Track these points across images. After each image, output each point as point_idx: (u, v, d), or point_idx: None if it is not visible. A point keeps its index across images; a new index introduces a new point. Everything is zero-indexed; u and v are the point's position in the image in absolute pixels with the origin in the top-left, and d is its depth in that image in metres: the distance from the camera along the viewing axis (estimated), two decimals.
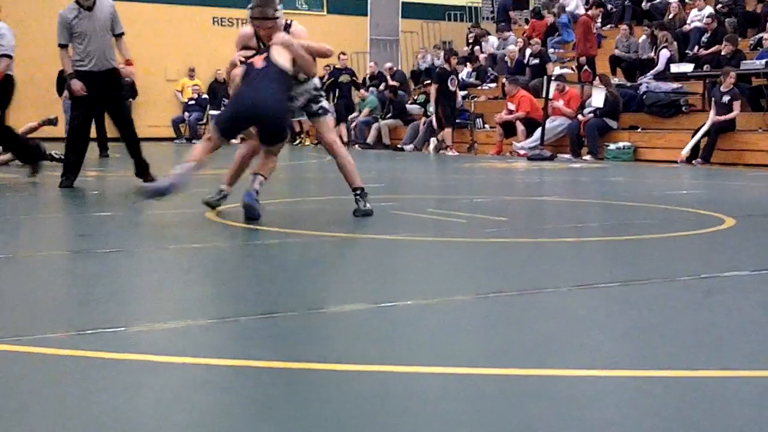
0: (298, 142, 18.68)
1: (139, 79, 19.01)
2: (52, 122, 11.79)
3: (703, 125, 12.83)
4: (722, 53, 14.27)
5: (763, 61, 13.26)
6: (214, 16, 20.58)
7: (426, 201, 7.52)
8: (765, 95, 13.34)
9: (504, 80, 16.73)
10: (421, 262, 4.47)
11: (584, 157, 13.98)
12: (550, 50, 18.35)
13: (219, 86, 19.74)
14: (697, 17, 16.16)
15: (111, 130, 9.37)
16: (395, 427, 2.02)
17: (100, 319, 2.99)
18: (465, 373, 2.40)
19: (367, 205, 5.88)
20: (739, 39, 14.93)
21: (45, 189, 8.25)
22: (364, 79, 19.76)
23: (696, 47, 15.51)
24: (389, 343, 2.76)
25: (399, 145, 17.12)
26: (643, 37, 16.28)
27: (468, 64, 19.32)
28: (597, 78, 14.58)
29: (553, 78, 15.29)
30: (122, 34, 8.06)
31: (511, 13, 21.76)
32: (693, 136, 12.92)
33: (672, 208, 6.75)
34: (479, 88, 18.67)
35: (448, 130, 15.84)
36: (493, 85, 18.59)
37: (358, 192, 5.89)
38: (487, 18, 23.23)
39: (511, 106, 15.41)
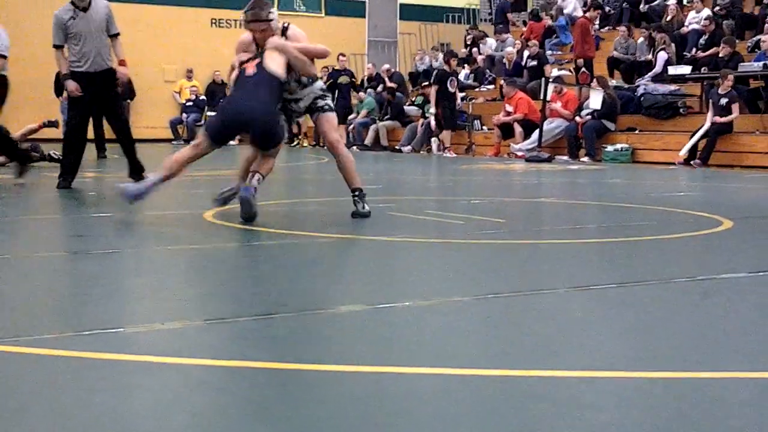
0: (296, 143, 18.68)
1: (137, 80, 19.06)
2: (53, 124, 11.79)
3: (701, 127, 12.85)
4: (720, 55, 14.29)
5: (761, 63, 13.28)
6: (213, 17, 20.60)
7: (424, 202, 7.52)
8: (762, 97, 13.36)
9: (502, 82, 16.75)
10: (419, 263, 4.47)
11: (582, 159, 13.99)
12: (548, 52, 18.37)
13: (217, 87, 19.75)
14: (695, 19, 16.18)
15: (109, 131, 9.37)
16: (393, 428, 2.02)
17: (97, 320, 2.99)
18: (463, 374, 2.40)
19: (366, 207, 5.88)
20: (737, 41, 14.95)
21: (43, 190, 8.25)
22: (362, 80, 19.77)
23: (694, 49, 15.53)
24: (387, 344, 2.76)
25: (397, 147, 17.13)
26: (641, 39, 16.31)
27: (466, 65, 19.34)
28: (595, 80, 14.59)
29: (550, 80, 15.30)
30: (118, 34, 8.05)
31: (509, 15, 21.79)
32: (691, 138, 12.94)
33: (669, 210, 6.76)
34: (477, 89, 18.69)
35: (446, 132, 15.85)
36: (491, 86, 18.61)
37: (357, 193, 5.89)
38: (485, 20, 23.26)
39: (509, 108, 15.42)
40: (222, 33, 20.13)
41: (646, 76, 15.50)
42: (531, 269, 4.29)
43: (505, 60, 18.30)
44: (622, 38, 16.64)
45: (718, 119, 12.59)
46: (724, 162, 12.67)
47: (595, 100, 14.15)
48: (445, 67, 16.33)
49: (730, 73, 12.98)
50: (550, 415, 2.09)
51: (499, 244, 5.01)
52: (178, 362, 2.49)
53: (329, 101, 6.02)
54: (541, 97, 14.91)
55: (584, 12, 18.12)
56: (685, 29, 16.24)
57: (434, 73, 16.57)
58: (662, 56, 15.34)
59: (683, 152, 12.87)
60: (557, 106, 14.86)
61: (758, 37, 14.87)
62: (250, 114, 5.51)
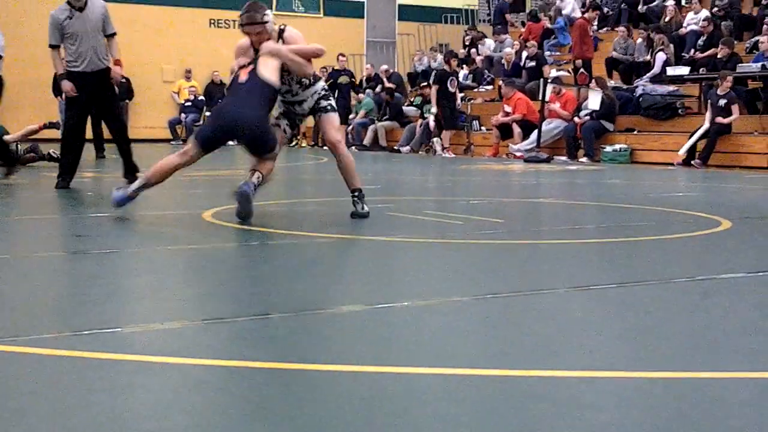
0: (294, 143, 18.68)
1: (136, 80, 19.08)
2: (55, 126, 11.77)
3: (700, 127, 12.86)
4: (718, 56, 14.29)
5: (759, 64, 13.29)
6: (211, 18, 20.59)
7: (423, 203, 7.52)
8: (761, 98, 13.37)
9: (500, 83, 16.75)
10: (418, 263, 4.47)
11: (581, 160, 13.99)
12: (547, 53, 18.38)
13: (215, 88, 19.74)
14: (694, 20, 16.20)
15: (107, 131, 9.36)
16: (393, 427, 2.02)
17: (96, 320, 2.99)
18: (463, 374, 2.40)
19: (365, 207, 5.88)
20: (735, 42, 14.97)
21: (41, 190, 8.24)
22: (361, 81, 19.78)
23: (692, 50, 15.55)
24: (386, 344, 2.76)
25: (395, 147, 17.13)
26: (640, 40, 16.32)
27: (464, 66, 19.34)
28: (593, 81, 14.60)
29: (549, 80, 15.31)
30: (114, 34, 8.04)
31: (508, 16, 21.79)
32: (690, 138, 12.95)
33: (668, 210, 6.76)
34: (476, 90, 18.69)
35: (446, 132, 15.84)
36: (489, 87, 18.61)
37: (357, 194, 5.89)
38: (484, 20, 23.26)
39: (508, 109, 15.42)
40: (220, 33, 20.13)
41: (645, 76, 15.51)
42: (530, 269, 4.29)
43: (503, 61, 18.30)
44: (622, 39, 16.65)
45: (721, 120, 12.60)
46: (722, 162, 12.68)
47: (594, 100, 14.16)
48: (446, 67, 16.32)
49: (729, 74, 12.99)
50: (549, 415, 2.09)
51: (498, 245, 5.01)
52: (177, 362, 2.49)
53: (332, 101, 6.02)
54: (540, 98, 14.92)
55: (583, 13, 18.13)
56: (683, 30, 16.26)
57: (434, 72, 16.58)
58: (661, 57, 15.35)
59: (682, 152, 12.88)
60: (556, 106, 14.86)
61: (757, 38, 14.89)
62: (239, 121, 5.52)
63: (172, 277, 4.00)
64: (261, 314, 3.08)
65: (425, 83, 17.66)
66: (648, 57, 15.89)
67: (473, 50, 19.86)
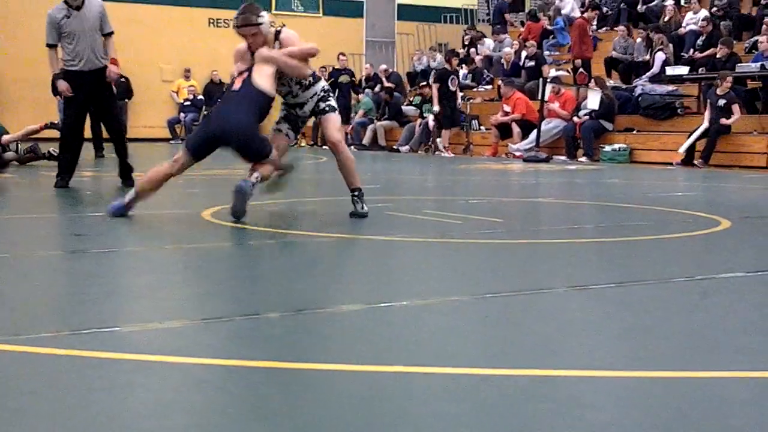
0: (293, 143, 18.68)
1: (135, 79, 19.07)
2: (56, 126, 11.77)
3: (699, 126, 12.87)
4: (717, 56, 14.30)
5: (758, 64, 13.30)
6: (210, 17, 20.57)
7: (422, 202, 7.52)
8: (760, 98, 13.38)
9: (500, 82, 16.75)
10: (417, 262, 4.47)
11: (580, 159, 13.99)
12: (546, 53, 18.38)
13: (215, 87, 19.73)
14: (693, 20, 16.20)
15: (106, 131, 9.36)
16: (392, 427, 2.01)
17: (95, 319, 2.99)
18: (462, 374, 2.40)
19: (365, 207, 5.89)
20: (735, 42, 14.97)
21: (40, 189, 8.24)
22: (360, 80, 19.77)
23: (691, 50, 15.55)
24: (385, 344, 2.76)
25: (395, 147, 17.13)
26: (639, 39, 16.32)
27: (464, 66, 19.34)
28: (592, 80, 14.60)
29: (548, 80, 15.32)
30: (111, 33, 8.04)
31: (507, 16, 21.79)
32: (689, 137, 12.96)
33: (667, 210, 6.76)
34: (475, 89, 18.69)
35: (445, 132, 15.83)
36: (488, 87, 18.61)
37: (356, 193, 5.89)
38: (483, 20, 23.25)
39: (507, 108, 15.42)
40: (219, 33, 20.11)
41: (644, 76, 15.51)
42: (529, 269, 4.28)
43: (503, 60, 18.30)
44: (622, 38, 16.64)
45: (724, 121, 12.60)
46: (722, 162, 12.69)
47: (593, 100, 14.16)
48: (446, 66, 16.30)
49: (729, 74, 12.99)
50: (549, 414, 2.09)
51: (497, 244, 5.01)
52: (176, 361, 2.49)
53: (332, 101, 6.01)
54: (539, 98, 14.92)
55: (582, 12, 18.13)
56: (682, 30, 16.26)
57: (434, 71, 16.57)
58: (660, 57, 15.36)
59: (682, 149, 12.89)
60: (555, 106, 14.86)
61: (756, 38, 14.88)
62: (226, 128, 5.52)
63: (171, 277, 3.99)
64: (260, 313, 3.08)
65: (424, 83, 17.65)
66: (647, 57, 15.89)
67: (472, 50, 19.86)
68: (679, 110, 14.25)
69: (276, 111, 6.03)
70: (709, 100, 12.96)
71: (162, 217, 6.02)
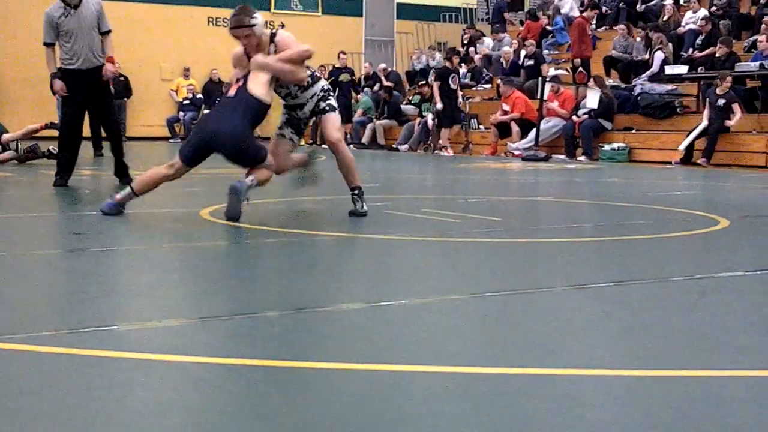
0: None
1: (134, 78, 19.06)
2: (56, 126, 11.76)
3: (698, 125, 12.87)
4: (716, 55, 14.31)
5: (758, 63, 13.30)
6: (209, 16, 20.55)
7: (421, 201, 7.52)
8: (759, 97, 13.38)
9: (499, 81, 16.75)
10: (416, 261, 4.47)
11: (579, 158, 14.00)
12: (545, 52, 18.38)
13: (214, 86, 19.72)
14: (692, 19, 16.20)
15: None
16: (390, 425, 2.01)
17: (94, 318, 2.99)
18: (461, 372, 2.40)
19: (364, 206, 5.89)
20: (734, 41, 14.98)
21: (39, 187, 8.24)
22: (359, 79, 19.77)
23: (690, 49, 15.55)
24: (385, 343, 2.76)
25: (394, 146, 17.13)
26: (638, 38, 16.32)
27: (463, 64, 19.34)
28: (592, 79, 14.60)
29: (547, 79, 15.32)
30: (109, 31, 8.03)
31: (506, 15, 21.79)
32: (688, 135, 12.96)
33: (666, 209, 6.76)
34: (474, 88, 18.69)
35: (445, 131, 15.83)
36: (488, 86, 18.61)
37: (356, 192, 5.90)
38: (482, 19, 23.25)
39: (506, 107, 15.43)
40: (219, 31, 20.08)
41: (643, 75, 15.52)
42: (528, 268, 4.29)
43: (502, 59, 18.30)
44: (622, 37, 16.64)
45: (729, 122, 12.60)
46: (721, 161, 12.69)
47: (592, 99, 14.17)
48: (447, 64, 16.29)
49: (729, 74, 13.00)
50: (548, 413, 2.09)
51: (496, 243, 5.01)
52: (174, 360, 2.49)
53: (331, 101, 6.00)
54: (538, 97, 14.92)
55: (581, 12, 18.13)
56: (681, 29, 16.26)
57: (434, 69, 16.56)
58: (659, 56, 15.36)
59: (682, 147, 12.90)
60: (554, 105, 14.87)
61: (755, 37, 14.89)
62: (217, 134, 5.53)
63: (170, 275, 3.99)
64: (259, 312, 3.08)
65: (423, 82, 17.65)
66: (646, 56, 15.90)
67: (471, 49, 19.86)
68: (678, 109, 14.25)
69: (275, 113, 6.02)
70: (708, 100, 12.96)
71: (161, 215, 6.02)
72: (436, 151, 15.91)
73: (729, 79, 12.79)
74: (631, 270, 4.21)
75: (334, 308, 3.23)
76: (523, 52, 17.69)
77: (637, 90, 14.89)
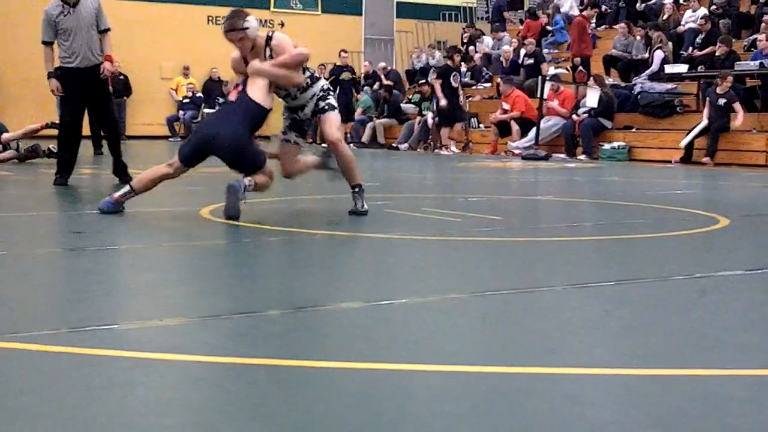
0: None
1: (134, 77, 19.05)
2: (56, 126, 11.75)
3: (698, 124, 12.87)
4: (716, 54, 14.31)
5: (757, 62, 13.30)
6: (209, 15, 20.54)
7: (421, 200, 7.52)
8: (759, 96, 13.38)
9: (499, 80, 16.75)
10: (417, 260, 4.47)
11: (579, 157, 14.00)
12: (545, 50, 18.38)
13: (214, 85, 19.72)
14: (692, 18, 16.20)
15: None
16: (390, 424, 2.01)
17: (94, 317, 2.99)
18: (461, 371, 2.40)
19: (365, 205, 5.90)
20: (733, 40, 14.98)
21: (39, 186, 8.24)
22: (360, 77, 19.77)
23: (690, 48, 15.55)
24: (384, 342, 2.76)
25: (394, 144, 17.13)
26: (638, 37, 16.32)
27: (463, 63, 19.34)
28: (591, 78, 14.60)
29: (547, 78, 15.32)
30: (108, 29, 8.03)
31: (506, 14, 21.79)
32: (688, 134, 12.97)
33: (666, 208, 6.76)
34: (474, 87, 18.69)
35: (445, 129, 15.82)
36: (487, 84, 18.61)
37: (357, 189, 5.91)
38: (482, 18, 23.25)
39: (506, 106, 15.42)
40: (218, 30, 19.70)
41: (643, 74, 15.51)
42: (528, 267, 4.29)
43: (501, 58, 18.29)
44: (622, 36, 16.64)
45: (734, 123, 12.60)
46: (721, 160, 12.70)
47: (592, 98, 14.17)
48: (449, 62, 16.29)
49: (729, 73, 13.00)
50: (548, 412, 2.09)
51: (496, 242, 5.01)
52: (175, 359, 2.49)
53: (330, 100, 5.99)
54: (538, 95, 14.92)
55: (581, 10, 18.13)
56: (681, 28, 16.26)
57: (434, 68, 16.54)
58: (659, 55, 15.36)
59: (683, 143, 12.91)
60: (554, 104, 14.87)
61: (755, 36, 14.89)
62: (215, 138, 5.55)
63: (169, 274, 3.99)
64: (259, 311, 3.08)
65: (423, 80, 17.64)
66: (646, 55, 15.90)
67: (471, 48, 19.85)
68: (678, 108, 14.25)
69: (275, 114, 6.01)
70: (708, 99, 12.96)
71: (161, 214, 6.02)
72: (436, 150, 15.91)
73: (729, 78, 12.80)
74: (631, 269, 4.21)
75: (334, 307, 3.23)
76: (522, 51, 17.69)
77: (637, 89, 14.89)
